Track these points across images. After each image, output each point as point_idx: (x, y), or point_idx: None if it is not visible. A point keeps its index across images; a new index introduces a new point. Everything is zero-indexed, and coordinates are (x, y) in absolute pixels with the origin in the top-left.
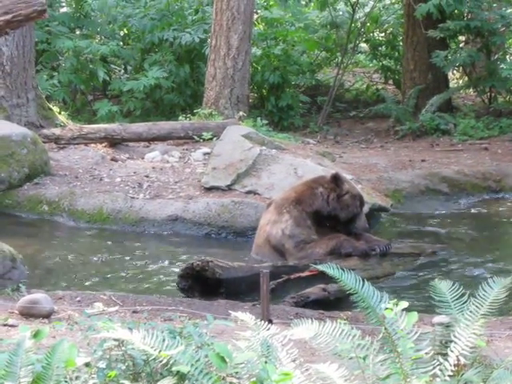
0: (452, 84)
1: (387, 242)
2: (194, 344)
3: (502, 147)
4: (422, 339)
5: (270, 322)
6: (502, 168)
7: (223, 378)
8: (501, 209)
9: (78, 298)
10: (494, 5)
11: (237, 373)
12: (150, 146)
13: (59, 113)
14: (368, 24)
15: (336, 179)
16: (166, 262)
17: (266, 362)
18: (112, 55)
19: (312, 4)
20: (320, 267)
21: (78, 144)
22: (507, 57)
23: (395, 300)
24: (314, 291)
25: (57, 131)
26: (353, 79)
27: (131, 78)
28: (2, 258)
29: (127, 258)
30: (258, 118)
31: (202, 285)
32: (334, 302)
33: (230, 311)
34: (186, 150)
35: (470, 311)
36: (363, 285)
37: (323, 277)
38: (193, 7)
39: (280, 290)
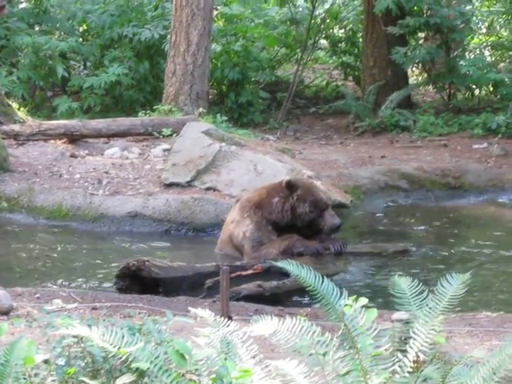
0: (411, 80)
1: (342, 242)
2: (154, 341)
3: (461, 144)
4: (381, 336)
5: (230, 318)
6: (461, 165)
7: (183, 375)
8: (460, 205)
9: (37, 295)
10: (454, 1)
11: (196, 369)
12: (110, 142)
13: (18, 109)
14: (328, 20)
15: (289, 186)
16: (124, 259)
17: (225, 359)
18: (71, 51)
19: (272, 0)
20: (279, 264)
21: (37, 140)
22: (466, 54)
23: (354, 296)
24: (248, 287)
25: (16, 127)
26: (313, 75)
27: (91, 75)
28: None
29: (87, 255)
30: (218, 115)
31: (139, 285)
32: (270, 298)
33: (189, 308)
34: (146, 146)
35: (430, 307)
36: (322, 281)
37: (266, 275)
38: (152, 3)
39: (218, 288)
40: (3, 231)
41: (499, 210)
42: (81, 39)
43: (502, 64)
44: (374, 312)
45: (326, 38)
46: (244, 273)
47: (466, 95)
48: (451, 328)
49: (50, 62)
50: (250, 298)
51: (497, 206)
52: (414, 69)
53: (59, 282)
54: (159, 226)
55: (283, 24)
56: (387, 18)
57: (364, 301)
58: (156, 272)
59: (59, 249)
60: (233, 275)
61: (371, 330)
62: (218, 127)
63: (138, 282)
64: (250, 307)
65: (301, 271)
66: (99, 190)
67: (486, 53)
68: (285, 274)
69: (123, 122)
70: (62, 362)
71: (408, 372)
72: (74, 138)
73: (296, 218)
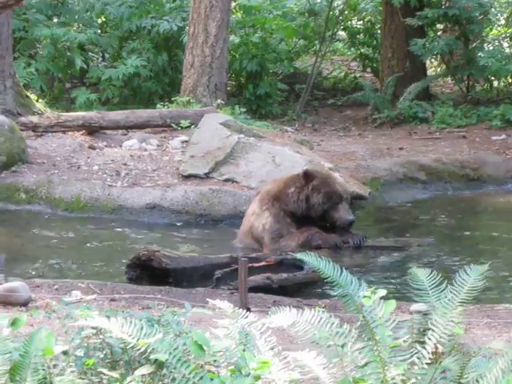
0: (430, 72)
1: (362, 235)
2: (172, 332)
3: (479, 135)
4: (399, 327)
5: (248, 309)
6: (479, 156)
7: (201, 366)
8: (479, 197)
9: (55, 286)
10: None
11: (215, 361)
12: (128, 133)
13: (37, 101)
14: (346, 12)
15: (306, 176)
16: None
17: (244, 350)
18: (90, 43)
19: None
20: (298, 255)
21: (55, 132)
22: (485, 45)
23: (373, 288)
24: (256, 279)
25: (34, 119)
26: (331, 67)
27: (109, 66)
28: None
29: (105, 246)
30: (236, 106)
31: (150, 275)
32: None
33: (207, 299)
34: (164, 137)
35: (448, 299)
36: (341, 273)
37: (279, 267)
38: None
39: (227, 279)
40: (22, 223)
41: None
42: (99, 31)
43: None
44: (393, 303)
45: (344, 29)
46: (256, 264)
47: (485, 87)
48: (470, 319)
49: (69, 54)
50: (257, 289)
51: None
52: (432, 60)
53: (78, 273)
54: (177, 218)
55: (301, 15)
56: (406, 9)
57: (382, 292)
58: (166, 262)
59: (77, 240)
60: None
61: (390, 322)
62: (236, 119)
63: (148, 272)
64: (269, 299)
65: (319, 263)
66: (117, 181)
67: (505, 44)
68: (298, 267)
69: (141, 113)
70: (80, 353)
71: (426, 363)
72: (92, 130)
73: (310, 209)
